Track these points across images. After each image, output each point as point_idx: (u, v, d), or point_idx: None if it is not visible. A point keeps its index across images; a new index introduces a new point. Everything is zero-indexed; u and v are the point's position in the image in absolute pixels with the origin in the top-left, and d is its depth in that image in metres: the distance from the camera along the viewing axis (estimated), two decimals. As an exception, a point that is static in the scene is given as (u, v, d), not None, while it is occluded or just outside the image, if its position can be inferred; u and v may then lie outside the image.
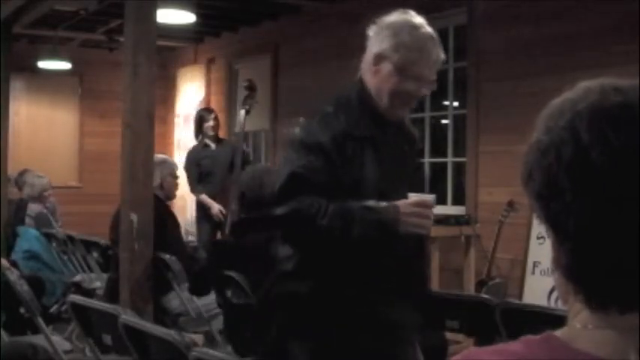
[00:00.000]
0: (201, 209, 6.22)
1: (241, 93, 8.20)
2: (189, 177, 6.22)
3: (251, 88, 5.72)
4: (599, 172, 0.73)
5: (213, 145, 6.23)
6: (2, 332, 3.64)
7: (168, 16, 6.07)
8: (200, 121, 6.32)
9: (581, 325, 0.78)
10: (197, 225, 6.36)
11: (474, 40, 5.62)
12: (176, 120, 9.74)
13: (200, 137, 6.32)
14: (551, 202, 0.77)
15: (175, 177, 4.71)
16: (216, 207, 6.03)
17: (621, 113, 0.75)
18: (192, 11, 6.32)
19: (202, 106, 8.01)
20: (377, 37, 2.14)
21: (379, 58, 2.11)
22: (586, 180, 0.74)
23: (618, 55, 4.45)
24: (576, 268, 0.77)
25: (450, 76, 6.01)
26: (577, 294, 0.77)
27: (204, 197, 6.15)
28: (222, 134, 6.90)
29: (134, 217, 3.88)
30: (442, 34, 6.03)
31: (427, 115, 6.24)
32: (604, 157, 0.73)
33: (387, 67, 2.10)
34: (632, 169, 0.72)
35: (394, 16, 2.14)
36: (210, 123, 6.21)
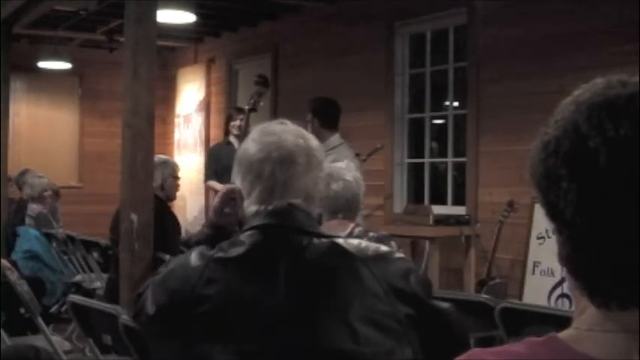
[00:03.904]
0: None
1: (245, 91, 8.23)
2: (206, 169, 6.44)
3: (263, 83, 5.63)
4: (597, 161, 0.73)
5: (236, 144, 6.12)
6: (2, 332, 3.64)
7: (168, 16, 6.07)
8: (228, 118, 6.44)
9: (585, 327, 0.78)
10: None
11: (473, 40, 5.62)
12: (176, 120, 9.74)
13: (226, 135, 6.41)
14: (550, 192, 0.77)
15: (176, 177, 4.71)
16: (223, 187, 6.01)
17: (621, 104, 0.75)
18: (192, 11, 6.32)
19: (202, 105, 8.04)
20: None
21: None
22: (583, 169, 0.74)
23: (618, 55, 4.45)
24: (574, 259, 0.77)
25: (450, 76, 6.01)
26: (581, 288, 0.77)
27: (212, 182, 6.26)
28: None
29: (134, 217, 3.87)
30: (442, 34, 6.10)
31: (427, 115, 6.24)
32: (601, 146, 0.73)
33: None
34: (630, 159, 0.72)
35: None
36: (237, 122, 6.22)
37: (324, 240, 1.61)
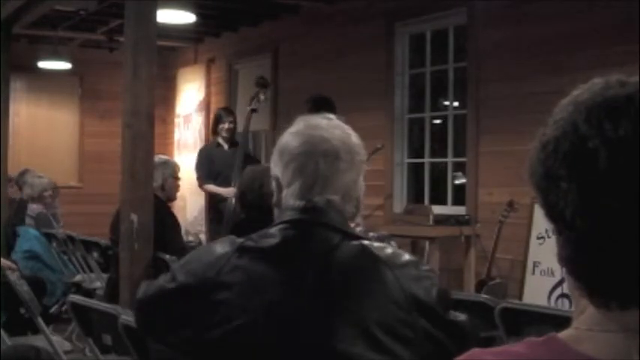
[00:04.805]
0: (213, 210, 6.21)
1: (245, 91, 8.24)
2: (199, 171, 6.21)
3: (264, 84, 5.59)
4: (596, 161, 0.73)
5: (226, 146, 6.17)
6: (2, 332, 3.64)
7: (168, 16, 6.07)
8: (217, 120, 6.31)
9: (585, 327, 0.78)
10: (209, 227, 6.31)
11: (473, 40, 5.62)
12: (176, 120, 9.74)
13: (215, 136, 6.32)
14: (549, 192, 0.77)
15: (177, 178, 4.71)
16: (226, 189, 5.88)
17: (620, 104, 0.75)
18: (192, 11, 6.33)
19: (202, 105, 8.03)
20: None
21: None
22: (582, 169, 0.74)
23: (618, 55, 4.45)
24: (574, 259, 0.77)
25: (450, 76, 6.01)
26: (580, 289, 0.77)
27: (212, 186, 6.10)
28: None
29: (134, 217, 3.87)
30: (442, 34, 6.10)
31: (427, 115, 6.24)
32: (601, 147, 0.73)
33: None
34: (630, 159, 0.72)
35: None
36: (226, 125, 6.14)
37: (354, 242, 1.60)
